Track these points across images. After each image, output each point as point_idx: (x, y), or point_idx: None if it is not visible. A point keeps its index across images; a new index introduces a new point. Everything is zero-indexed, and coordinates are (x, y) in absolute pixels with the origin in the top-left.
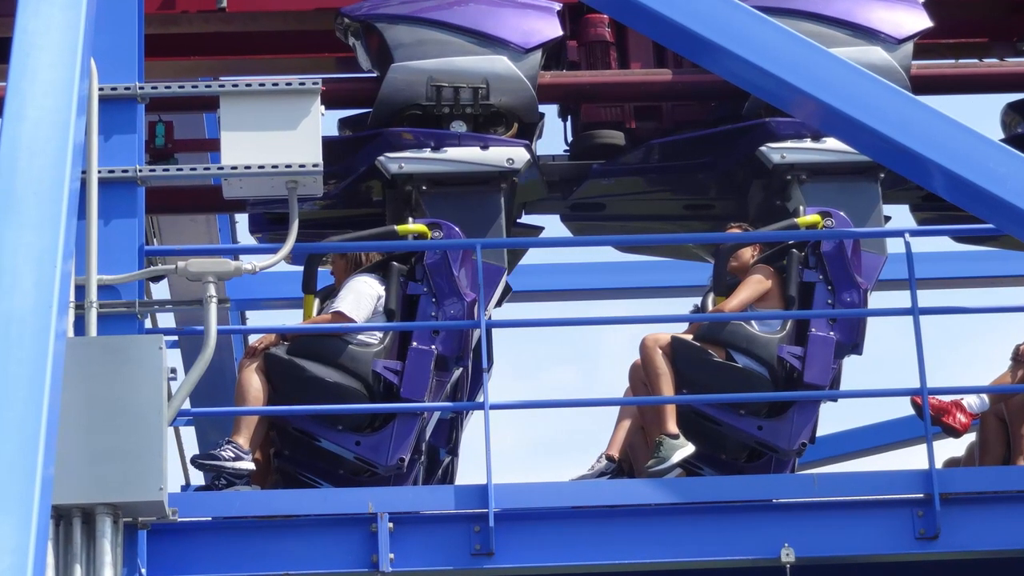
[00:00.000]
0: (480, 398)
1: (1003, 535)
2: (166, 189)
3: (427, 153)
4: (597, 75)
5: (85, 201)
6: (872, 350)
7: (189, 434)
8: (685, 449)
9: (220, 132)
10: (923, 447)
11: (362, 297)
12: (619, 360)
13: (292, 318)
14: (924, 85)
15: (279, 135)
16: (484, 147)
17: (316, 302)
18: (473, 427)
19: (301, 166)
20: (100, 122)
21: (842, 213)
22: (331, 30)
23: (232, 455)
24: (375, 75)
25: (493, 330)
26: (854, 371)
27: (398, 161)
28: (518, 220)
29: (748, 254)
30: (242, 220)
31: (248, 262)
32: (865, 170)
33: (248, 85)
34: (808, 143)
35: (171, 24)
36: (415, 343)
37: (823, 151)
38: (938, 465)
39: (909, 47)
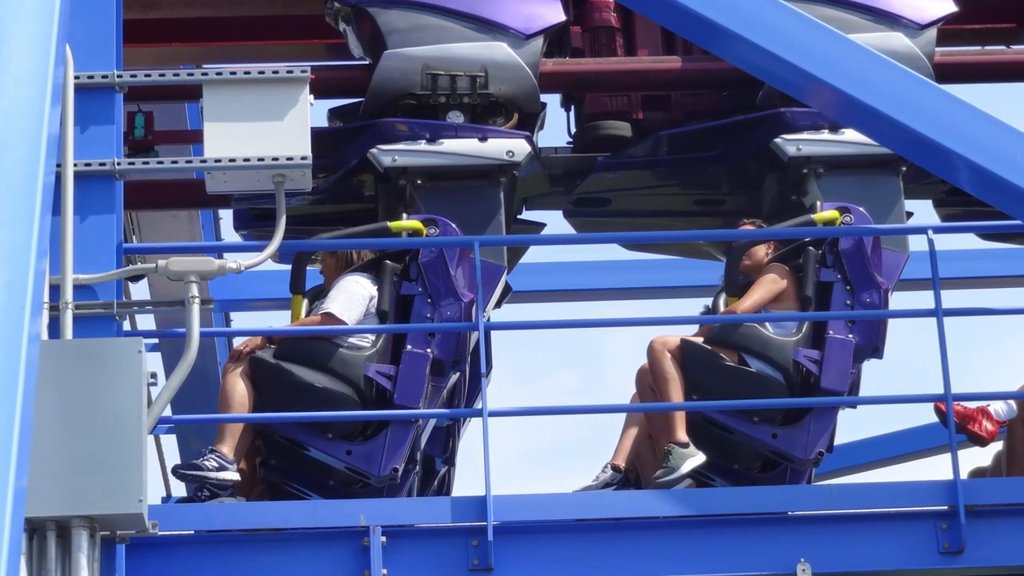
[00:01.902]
0: (478, 404)
1: None
2: (146, 183)
3: (422, 145)
4: (602, 63)
5: (60, 196)
6: (893, 353)
7: (170, 443)
8: (695, 459)
9: (203, 123)
10: (947, 456)
11: (353, 298)
12: (625, 364)
13: (279, 320)
14: (948, 73)
15: (265, 126)
16: (482, 139)
17: (305, 303)
18: (471, 435)
19: (289, 159)
20: (76, 112)
21: (861, 209)
22: (320, 15)
23: (216, 465)
24: (367, 62)
25: (492, 332)
26: (874, 376)
27: (391, 154)
28: (518, 216)
29: (762, 252)
30: (226, 216)
31: (233, 260)
32: (886, 163)
33: (232, 73)
34: (825, 135)
35: (151, 8)
36: (409, 346)
37: (841, 143)
38: (963, 475)
39: (932, 33)
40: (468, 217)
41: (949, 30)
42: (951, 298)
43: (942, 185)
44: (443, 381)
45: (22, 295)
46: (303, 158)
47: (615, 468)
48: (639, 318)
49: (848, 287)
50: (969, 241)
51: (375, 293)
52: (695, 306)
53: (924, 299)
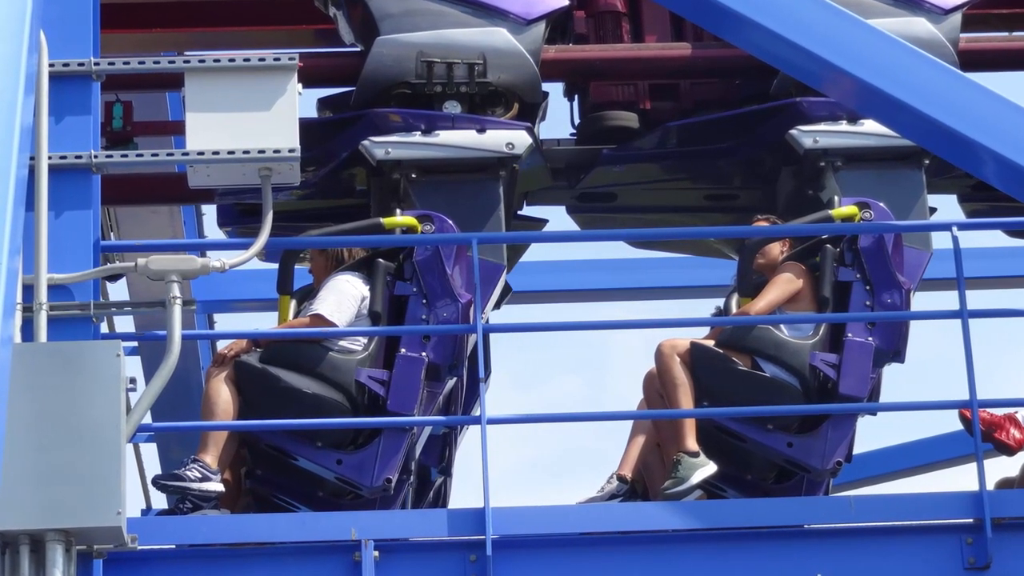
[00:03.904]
0: (476, 411)
1: None
2: (124, 177)
3: (417, 137)
4: (607, 49)
5: (34, 190)
6: (915, 357)
7: (150, 452)
8: (706, 468)
9: (185, 113)
10: (972, 466)
11: (344, 298)
12: (632, 369)
13: (266, 322)
14: (974, 60)
15: (251, 117)
16: (481, 130)
17: (293, 304)
18: (468, 444)
19: (276, 151)
20: (51, 102)
21: (882, 204)
22: None
23: (198, 475)
24: (359, 49)
25: (491, 335)
26: (895, 381)
27: (384, 146)
28: (519, 212)
29: (777, 250)
30: (210, 212)
31: (216, 259)
32: (908, 156)
33: (216, 61)
34: (844, 126)
35: None
36: (403, 350)
37: (861, 135)
38: (989, 486)
39: (957, 18)
40: (465, 213)
41: (975, 15)
42: (977, 299)
43: (967, 179)
44: (439, 386)
45: None
46: (291, 151)
47: (621, 479)
48: (647, 320)
49: (868, 287)
50: (996, 238)
51: (367, 293)
52: (706, 307)
53: (948, 299)
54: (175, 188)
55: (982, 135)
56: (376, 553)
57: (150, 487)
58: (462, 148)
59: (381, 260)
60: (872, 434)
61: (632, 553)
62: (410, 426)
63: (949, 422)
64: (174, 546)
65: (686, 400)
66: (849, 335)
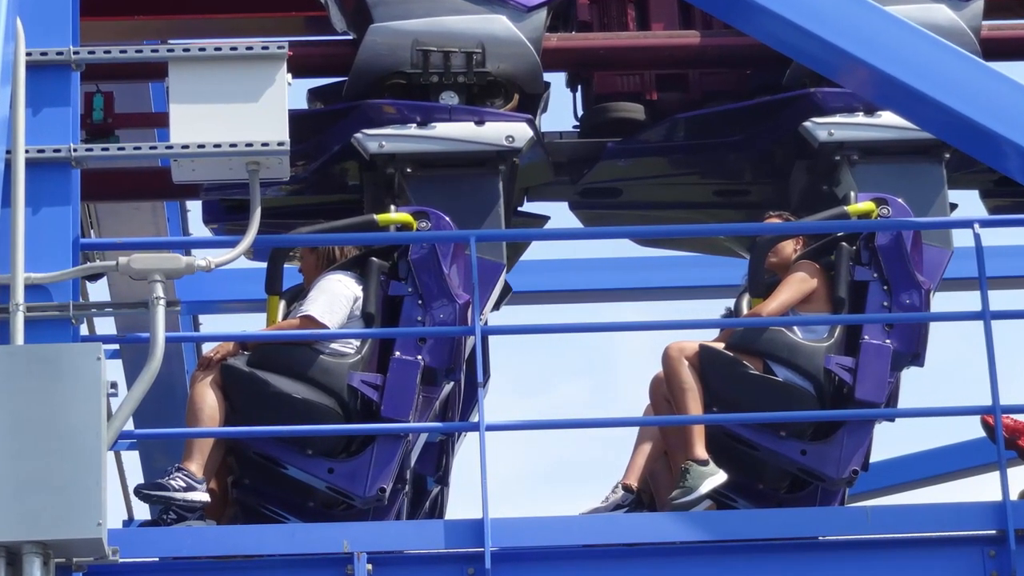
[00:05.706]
0: (474, 418)
1: None
2: (105, 171)
3: (412, 129)
4: (612, 38)
5: (10, 185)
6: (935, 361)
7: (132, 460)
8: (716, 477)
9: (169, 105)
10: (995, 475)
11: (336, 299)
12: (638, 373)
13: (253, 323)
14: (997, 49)
15: (238, 108)
16: (479, 122)
17: (282, 304)
18: (466, 452)
19: (264, 145)
20: (28, 93)
21: (900, 200)
22: None
23: (183, 484)
24: (351, 38)
25: (490, 337)
26: (914, 385)
27: (378, 139)
28: (519, 208)
29: (790, 248)
30: (195, 208)
31: (202, 258)
32: (927, 149)
33: (202, 50)
34: (860, 118)
35: None
36: (398, 353)
37: (878, 127)
38: (1013, 496)
39: (979, 5)
40: (463, 209)
41: (997, 2)
42: (1000, 299)
43: (990, 174)
44: (435, 391)
45: None
46: (280, 144)
47: (627, 488)
48: (653, 321)
49: (885, 287)
50: (1019, 236)
51: (360, 294)
52: (716, 308)
53: (970, 300)
54: (158, 183)
55: (1006, 127)
56: (369, 566)
57: (132, 497)
58: (460, 141)
59: (375, 259)
60: (890, 441)
61: (638, 566)
62: (405, 433)
63: (970, 429)
64: (157, 559)
65: (695, 405)
66: (866, 337)
